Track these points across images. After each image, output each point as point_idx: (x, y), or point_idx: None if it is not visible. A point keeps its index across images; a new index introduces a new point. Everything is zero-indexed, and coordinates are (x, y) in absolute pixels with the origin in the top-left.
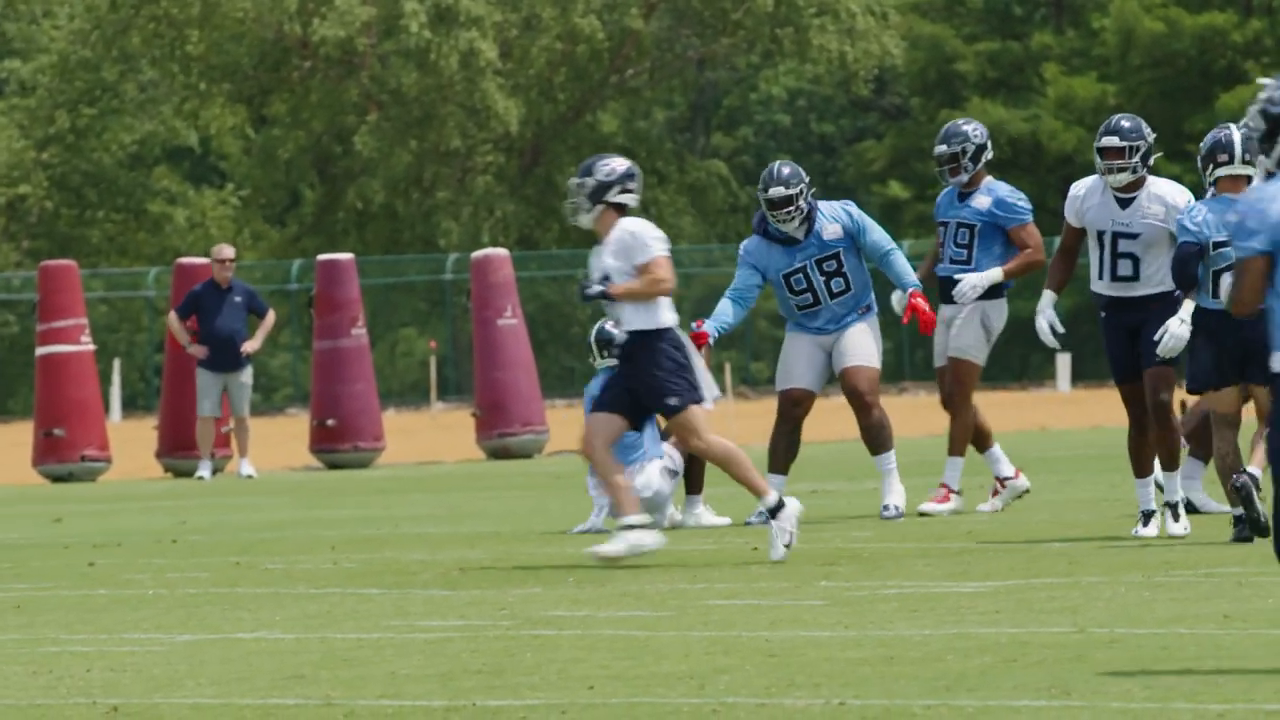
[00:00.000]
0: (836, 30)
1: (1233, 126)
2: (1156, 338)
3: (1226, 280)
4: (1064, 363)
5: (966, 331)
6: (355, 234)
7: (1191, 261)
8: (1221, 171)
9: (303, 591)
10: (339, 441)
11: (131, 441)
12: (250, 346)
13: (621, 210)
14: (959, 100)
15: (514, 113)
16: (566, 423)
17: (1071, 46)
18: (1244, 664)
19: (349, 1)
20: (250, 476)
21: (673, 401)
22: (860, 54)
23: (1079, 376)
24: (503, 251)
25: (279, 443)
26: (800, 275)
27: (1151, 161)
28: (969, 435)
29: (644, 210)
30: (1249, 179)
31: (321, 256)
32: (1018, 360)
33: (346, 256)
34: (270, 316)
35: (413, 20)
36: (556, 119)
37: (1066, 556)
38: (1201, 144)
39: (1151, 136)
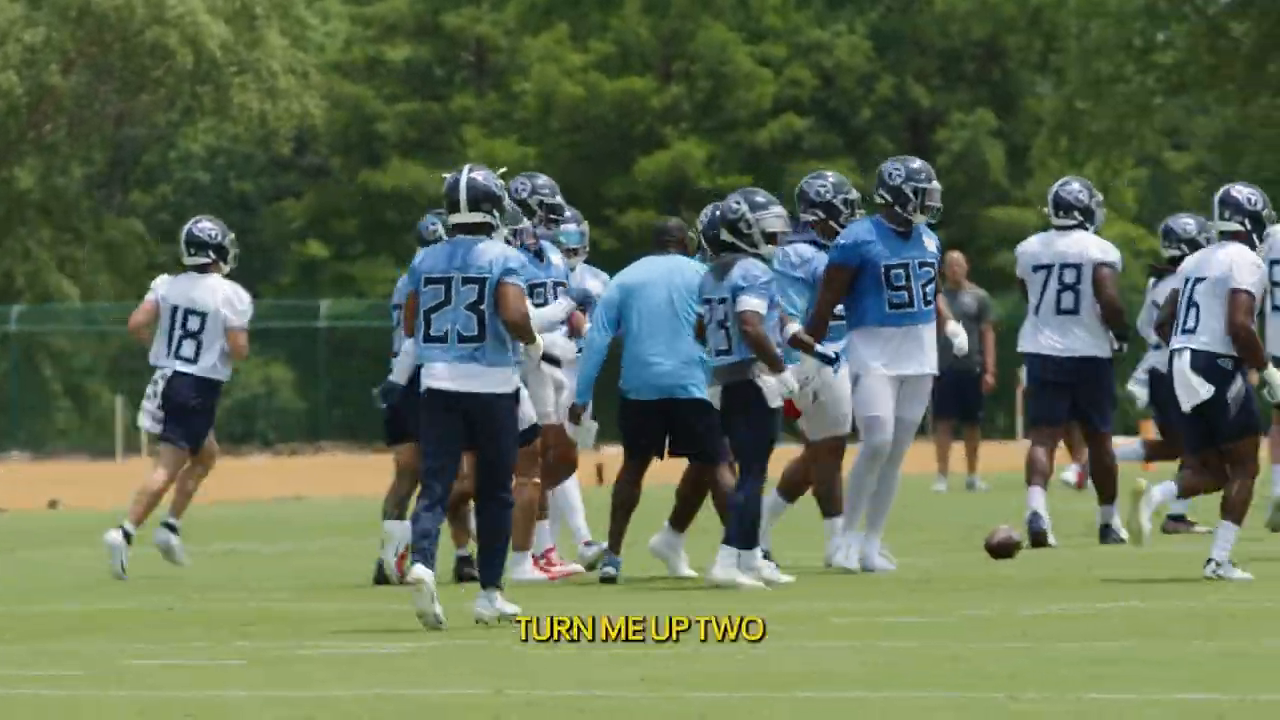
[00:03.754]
0: (258, 89)
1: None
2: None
3: None
4: None
5: None
6: None
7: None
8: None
9: None
10: None
11: None
12: None
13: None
14: (379, 160)
15: None
16: None
17: (492, 109)
18: None
19: None
20: None
21: None
22: (281, 113)
23: None
24: None
25: None
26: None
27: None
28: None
29: (60, 266)
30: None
31: None
32: None
33: None
34: None
35: None
36: None
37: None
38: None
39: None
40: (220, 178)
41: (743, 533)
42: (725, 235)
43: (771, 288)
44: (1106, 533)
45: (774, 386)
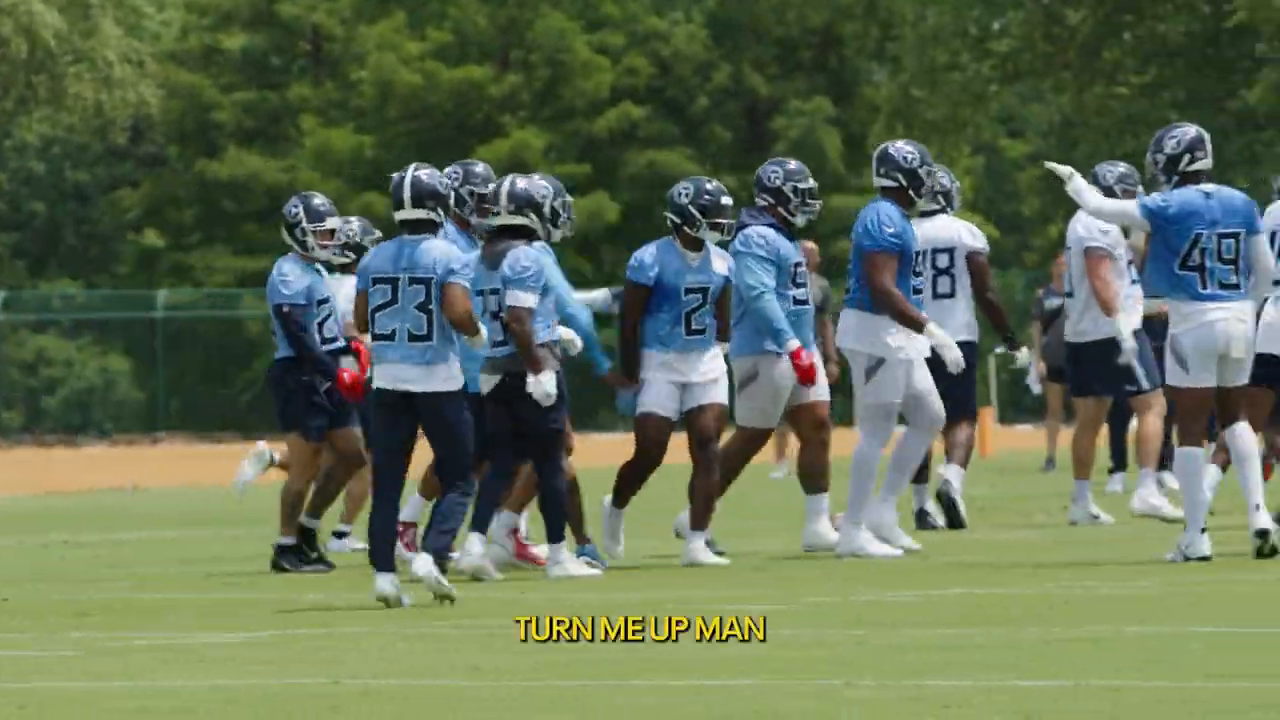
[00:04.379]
0: (93, 78)
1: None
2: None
3: None
4: None
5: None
6: None
7: None
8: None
9: None
10: None
11: None
12: None
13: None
14: (216, 149)
15: None
16: None
17: (329, 98)
18: (496, 715)
19: None
20: None
21: None
22: (117, 102)
23: None
24: None
25: None
26: (801, 269)
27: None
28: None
29: None
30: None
31: None
32: None
33: None
34: None
35: None
36: None
37: (322, 607)
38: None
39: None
40: (56, 167)
41: (552, 525)
42: (530, 219)
43: (540, 278)
44: (922, 517)
45: (533, 385)
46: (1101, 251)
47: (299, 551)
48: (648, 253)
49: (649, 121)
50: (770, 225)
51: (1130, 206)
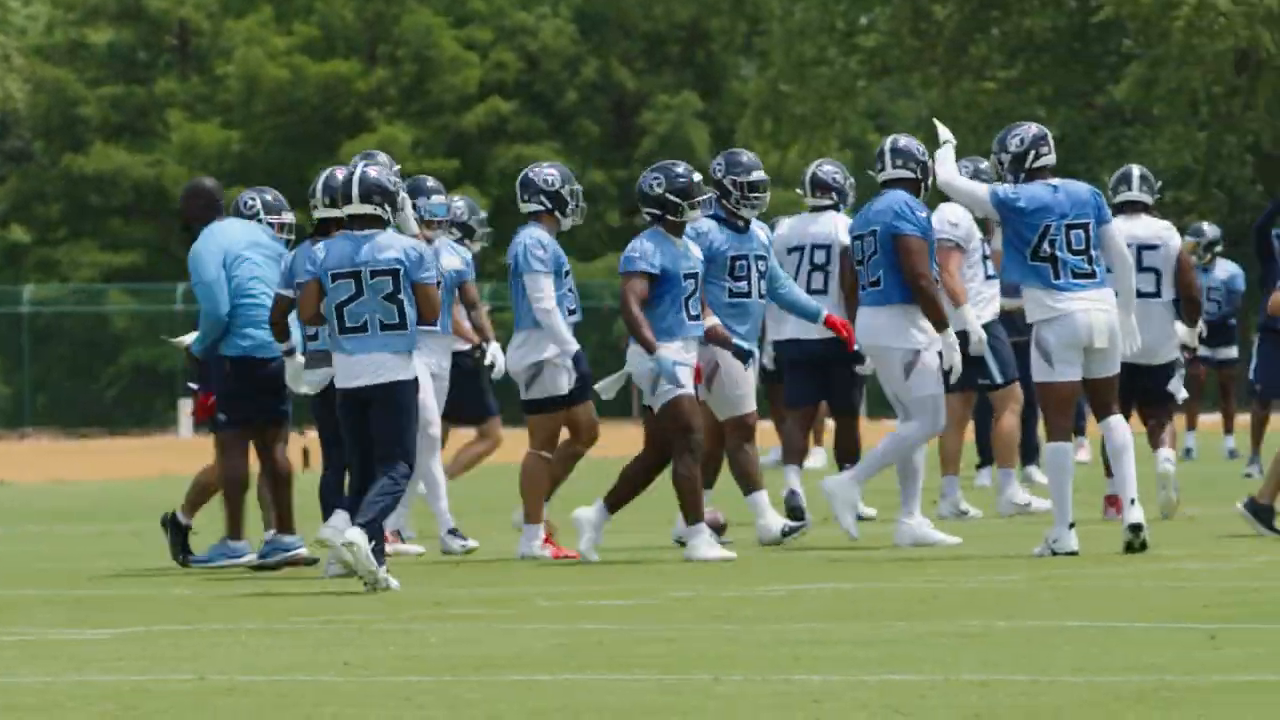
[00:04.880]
0: None
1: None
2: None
3: None
4: (186, 408)
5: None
6: None
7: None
8: None
9: None
10: None
11: None
12: None
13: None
14: (82, 144)
15: None
16: None
17: (196, 92)
18: (365, 710)
19: None
20: None
21: None
22: None
23: None
24: None
25: None
26: (744, 262)
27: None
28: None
29: None
30: None
31: None
32: (140, 406)
33: None
34: None
35: None
36: None
37: (188, 603)
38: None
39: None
40: None
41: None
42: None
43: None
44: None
45: None
46: (949, 244)
47: (185, 543)
48: (645, 244)
49: (517, 116)
50: (713, 216)
51: (980, 190)
